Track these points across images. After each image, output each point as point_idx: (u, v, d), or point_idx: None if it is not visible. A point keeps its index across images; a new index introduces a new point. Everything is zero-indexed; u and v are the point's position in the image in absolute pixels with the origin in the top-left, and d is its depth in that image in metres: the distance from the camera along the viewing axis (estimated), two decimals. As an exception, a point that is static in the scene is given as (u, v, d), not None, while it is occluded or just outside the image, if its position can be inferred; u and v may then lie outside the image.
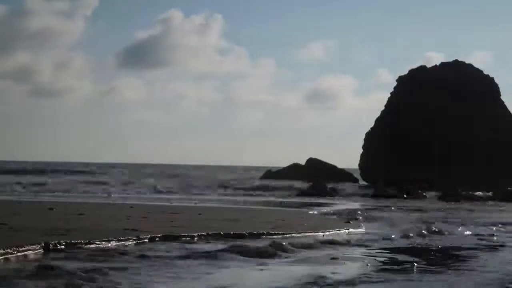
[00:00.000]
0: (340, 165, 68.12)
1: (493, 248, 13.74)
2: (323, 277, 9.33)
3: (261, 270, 9.94)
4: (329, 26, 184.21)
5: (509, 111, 63.57)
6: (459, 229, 17.79)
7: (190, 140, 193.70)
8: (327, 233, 15.76)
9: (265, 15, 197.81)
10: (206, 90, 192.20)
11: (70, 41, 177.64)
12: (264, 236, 14.36)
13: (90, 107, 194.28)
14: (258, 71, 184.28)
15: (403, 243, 14.23)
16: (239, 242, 12.67)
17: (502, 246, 14.12)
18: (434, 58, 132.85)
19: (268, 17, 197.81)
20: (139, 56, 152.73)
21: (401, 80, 65.24)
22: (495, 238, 15.78)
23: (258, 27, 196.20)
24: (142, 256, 10.61)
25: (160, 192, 41.26)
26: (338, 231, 16.27)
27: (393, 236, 15.39)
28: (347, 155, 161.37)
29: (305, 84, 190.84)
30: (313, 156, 68.68)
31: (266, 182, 59.50)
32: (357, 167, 64.89)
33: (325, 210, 25.63)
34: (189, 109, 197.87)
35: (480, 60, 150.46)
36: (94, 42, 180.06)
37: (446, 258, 12.08)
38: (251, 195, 40.85)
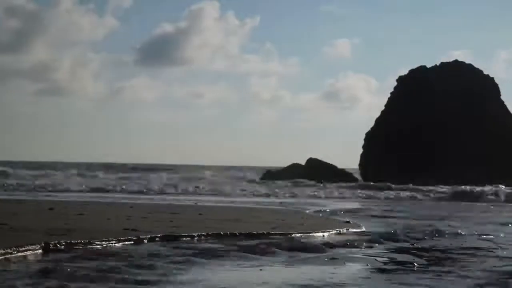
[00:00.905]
0: (340, 165, 68.15)
1: (494, 248, 13.74)
2: (322, 277, 9.33)
3: (260, 270, 9.94)
4: (359, 23, 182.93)
5: (509, 111, 63.60)
6: (460, 229, 17.79)
7: (191, 141, 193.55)
8: (327, 233, 15.77)
9: (297, 13, 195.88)
10: (224, 90, 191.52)
11: (90, 37, 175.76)
12: (264, 236, 14.37)
13: (106, 107, 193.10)
14: (281, 70, 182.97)
15: (404, 243, 14.23)
16: (238, 242, 12.70)
17: (502, 246, 14.12)
18: (461, 58, 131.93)
19: (300, 15, 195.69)
20: (163, 52, 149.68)
21: (401, 80, 65.29)
22: (495, 238, 15.78)
23: (289, 25, 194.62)
24: (141, 257, 10.62)
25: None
26: (338, 231, 16.27)
27: (393, 235, 15.39)
28: (347, 155, 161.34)
29: (325, 83, 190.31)
30: (313, 156, 68.69)
31: (266, 182, 59.55)
32: (357, 167, 64.94)
33: (325, 210, 25.63)
34: (200, 109, 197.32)
35: (507, 59, 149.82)
36: (119, 36, 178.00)
37: (446, 258, 12.08)
38: (251, 195, 40.88)
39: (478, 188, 44.39)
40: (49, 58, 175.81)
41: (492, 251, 13.11)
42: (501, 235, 16.58)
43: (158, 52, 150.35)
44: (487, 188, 44.36)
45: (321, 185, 44.19)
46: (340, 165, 67.20)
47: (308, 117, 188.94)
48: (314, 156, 68.45)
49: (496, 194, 42.29)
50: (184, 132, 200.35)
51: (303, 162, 68.64)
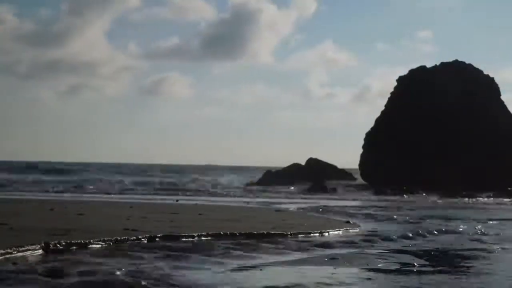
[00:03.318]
0: (340, 165, 68.18)
1: (493, 250, 13.73)
2: (321, 277, 9.33)
3: (260, 270, 9.94)
4: (425, 19, 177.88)
5: (509, 111, 63.56)
6: (460, 229, 17.79)
7: (195, 140, 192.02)
8: (327, 233, 15.77)
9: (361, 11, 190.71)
10: (274, 87, 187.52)
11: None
12: (264, 236, 14.35)
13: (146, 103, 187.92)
14: (326, 68, 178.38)
15: (403, 243, 14.23)
16: (238, 242, 12.69)
17: (502, 247, 14.11)
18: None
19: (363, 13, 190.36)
20: (221, 42, 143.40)
21: (401, 80, 65.26)
22: (495, 238, 15.77)
23: (351, 22, 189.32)
24: (140, 257, 10.63)
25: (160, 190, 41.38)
26: (337, 231, 16.28)
27: (393, 236, 15.39)
28: (347, 154, 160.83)
29: (361, 80, 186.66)
30: (313, 156, 68.71)
31: (266, 182, 59.62)
32: (357, 167, 64.95)
33: (325, 210, 25.62)
34: (227, 108, 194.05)
35: None
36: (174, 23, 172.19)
37: (446, 258, 12.08)
38: (251, 195, 40.88)
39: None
40: (95, 48, 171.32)
41: (491, 253, 13.11)
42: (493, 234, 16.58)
43: (224, 41, 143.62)
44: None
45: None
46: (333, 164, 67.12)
47: (338, 116, 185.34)
48: (309, 156, 68.56)
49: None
50: (192, 132, 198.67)
51: (301, 162, 68.74)
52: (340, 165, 68.07)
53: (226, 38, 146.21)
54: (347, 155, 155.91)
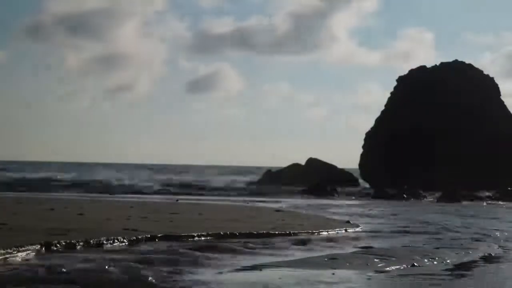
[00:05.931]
0: (340, 165, 68.09)
1: (494, 251, 13.73)
2: (321, 277, 9.32)
3: (260, 270, 9.94)
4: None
5: (509, 111, 63.54)
6: (459, 229, 17.79)
7: (199, 141, 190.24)
8: (326, 233, 15.76)
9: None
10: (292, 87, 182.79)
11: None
12: (264, 236, 14.35)
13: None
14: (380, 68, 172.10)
15: (403, 243, 14.23)
16: (238, 242, 12.69)
17: (502, 247, 14.12)
18: None
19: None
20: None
21: (401, 80, 65.26)
22: (495, 239, 15.77)
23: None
24: (140, 257, 10.63)
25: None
26: (337, 231, 16.27)
27: (392, 236, 15.38)
28: (347, 155, 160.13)
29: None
30: (313, 156, 68.65)
31: (266, 182, 59.59)
32: (357, 167, 64.92)
33: (325, 210, 25.61)
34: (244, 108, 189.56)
35: None
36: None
37: (446, 259, 12.07)
38: (251, 195, 40.87)
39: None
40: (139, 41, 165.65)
41: (490, 254, 13.12)
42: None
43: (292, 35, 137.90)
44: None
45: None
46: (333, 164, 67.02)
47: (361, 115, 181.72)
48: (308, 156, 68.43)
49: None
50: (199, 132, 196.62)
51: (301, 162, 68.66)
52: (340, 165, 68.00)
53: (299, 30, 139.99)
54: (347, 155, 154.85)
